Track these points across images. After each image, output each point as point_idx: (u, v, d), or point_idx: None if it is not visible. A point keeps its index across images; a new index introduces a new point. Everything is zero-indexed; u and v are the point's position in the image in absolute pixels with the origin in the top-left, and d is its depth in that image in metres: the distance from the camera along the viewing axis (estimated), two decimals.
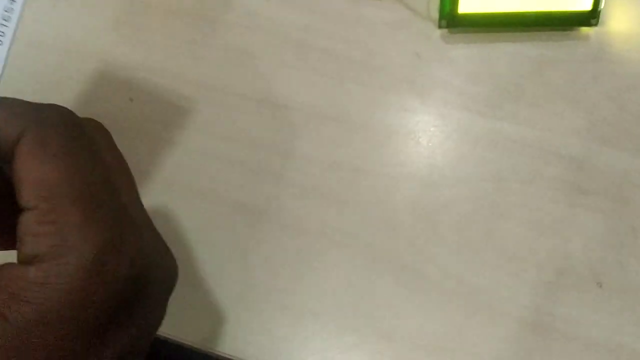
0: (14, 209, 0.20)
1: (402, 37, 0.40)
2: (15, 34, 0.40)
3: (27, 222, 0.20)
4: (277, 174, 0.36)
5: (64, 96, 0.39)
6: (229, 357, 0.33)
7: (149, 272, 0.22)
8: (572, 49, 0.39)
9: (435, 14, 0.39)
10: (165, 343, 0.33)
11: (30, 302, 0.19)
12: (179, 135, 0.37)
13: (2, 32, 0.40)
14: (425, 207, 0.35)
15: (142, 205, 0.24)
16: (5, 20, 0.40)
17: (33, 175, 0.20)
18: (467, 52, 0.39)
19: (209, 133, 0.37)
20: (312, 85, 0.38)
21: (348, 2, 0.41)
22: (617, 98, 0.37)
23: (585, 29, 0.39)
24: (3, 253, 0.23)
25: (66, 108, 0.22)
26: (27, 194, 0.20)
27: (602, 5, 0.38)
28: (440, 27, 0.39)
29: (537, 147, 0.36)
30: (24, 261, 0.20)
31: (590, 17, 0.39)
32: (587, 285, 0.32)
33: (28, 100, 0.21)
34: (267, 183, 0.36)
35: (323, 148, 0.37)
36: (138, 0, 0.42)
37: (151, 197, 0.36)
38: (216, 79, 0.39)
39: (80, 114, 0.23)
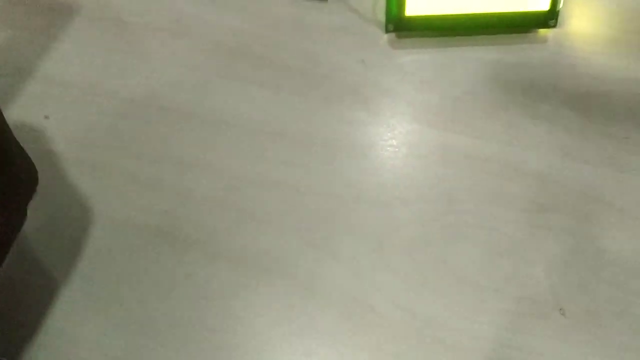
0: None
1: (346, 43, 0.36)
2: None
3: None
4: (207, 197, 0.32)
5: None
6: None
7: (7, 165, 0.21)
8: (530, 53, 0.36)
9: (382, 18, 0.36)
10: None
11: None
12: (100, 156, 0.33)
13: None
14: (371, 230, 0.31)
15: (9, 128, 0.24)
16: None
17: None
18: (417, 57, 0.36)
19: (134, 154, 0.33)
20: (246, 97, 0.35)
21: (288, 6, 0.37)
22: (577, 104, 0.34)
23: (543, 31, 0.37)
24: None
25: None
26: None
27: (560, 5, 0.35)
28: (387, 31, 0.36)
29: (495, 161, 0.33)
30: None
31: (549, 18, 0.36)
32: (550, 313, 0.29)
33: None
34: (196, 207, 0.32)
35: (259, 167, 0.33)
36: (63, 9, 0.38)
37: (67, 224, 0.32)
38: (140, 92, 0.35)
39: None
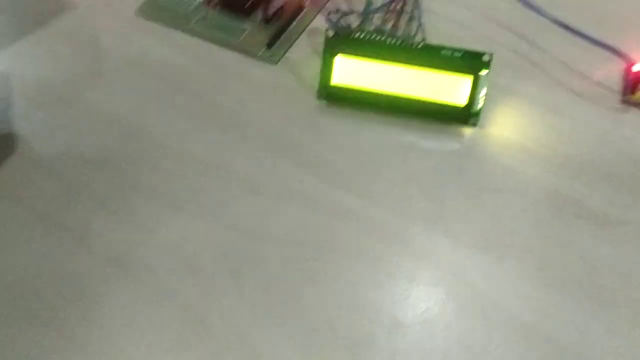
0: None
1: (279, 100, 0.39)
2: None
3: None
4: (104, 197, 0.34)
5: None
6: None
7: None
8: (444, 143, 0.38)
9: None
10: None
11: None
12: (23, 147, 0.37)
13: None
14: (236, 259, 0.32)
15: None
16: None
17: None
18: (338, 124, 0.38)
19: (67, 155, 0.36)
20: (175, 123, 0.38)
21: (239, 61, 0.42)
22: (472, 195, 0.35)
23: (463, 128, 0.39)
24: None
25: None
26: None
27: (479, 106, 0.38)
28: (318, 98, 0.39)
29: (375, 225, 0.34)
30: None
31: (470, 116, 0.38)
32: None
33: None
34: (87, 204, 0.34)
35: (163, 180, 0.35)
36: (50, 26, 0.44)
37: None
38: (96, 101, 0.39)
39: None
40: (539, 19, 0.43)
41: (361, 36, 0.37)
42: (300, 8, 0.44)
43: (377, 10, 0.42)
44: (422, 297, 0.31)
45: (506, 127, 0.39)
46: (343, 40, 0.37)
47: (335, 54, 0.37)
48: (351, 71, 0.38)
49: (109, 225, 0.33)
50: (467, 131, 0.38)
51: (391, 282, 0.31)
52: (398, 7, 0.41)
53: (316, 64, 0.41)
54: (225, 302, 0.30)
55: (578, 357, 0.29)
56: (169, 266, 0.32)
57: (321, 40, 0.40)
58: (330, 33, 0.37)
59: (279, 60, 0.41)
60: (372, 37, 0.37)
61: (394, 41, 0.37)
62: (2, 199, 0.34)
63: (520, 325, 0.30)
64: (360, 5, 0.42)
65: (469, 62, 0.36)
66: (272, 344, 0.29)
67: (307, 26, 0.44)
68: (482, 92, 0.37)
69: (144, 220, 0.33)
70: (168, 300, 0.30)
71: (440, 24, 0.39)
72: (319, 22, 0.44)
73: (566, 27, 0.41)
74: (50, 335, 0.29)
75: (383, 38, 0.37)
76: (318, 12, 0.44)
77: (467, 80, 0.37)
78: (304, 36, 0.43)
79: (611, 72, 0.41)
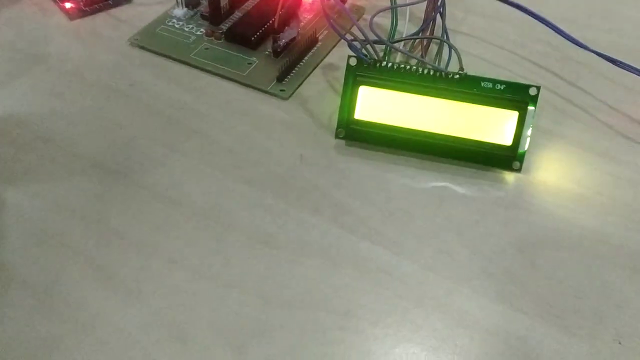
0: None
1: (291, 139, 0.34)
2: None
3: None
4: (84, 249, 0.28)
5: None
6: None
7: None
8: (485, 190, 0.32)
9: (335, 124, 0.34)
10: None
11: None
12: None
13: None
14: (238, 328, 0.25)
15: None
16: None
17: None
18: (359, 166, 0.33)
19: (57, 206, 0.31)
20: (164, 162, 0.32)
21: (245, 96, 0.36)
22: (525, 252, 0.29)
23: (505, 173, 0.33)
24: None
25: None
26: None
27: (525, 147, 0.32)
28: (337, 136, 0.34)
29: (410, 287, 0.27)
30: None
31: (513, 160, 0.32)
32: None
33: None
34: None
35: (150, 231, 0.29)
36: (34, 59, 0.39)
37: None
38: (69, 143, 0.33)
39: None
40: (578, 55, 0.39)
41: (388, 65, 0.32)
42: (313, 41, 0.39)
43: (405, 38, 0.37)
44: None
45: (554, 172, 0.34)
46: (367, 68, 0.32)
47: (359, 84, 0.32)
48: (376, 104, 0.32)
49: (80, 281, 0.27)
50: (510, 177, 0.33)
51: (435, 357, 0.25)
52: (427, 34, 0.37)
53: (332, 100, 0.36)
54: None
55: None
56: (154, 337, 0.25)
57: (338, 75, 0.36)
58: (353, 60, 0.32)
59: (290, 96, 0.36)
60: (401, 66, 0.32)
61: (425, 70, 0.32)
62: None
63: None
64: (385, 34, 0.37)
65: (514, 95, 0.31)
66: None
67: (321, 61, 0.39)
68: (528, 131, 0.32)
69: (123, 277, 0.27)
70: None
71: (468, 64, 0.35)
72: (335, 57, 0.39)
73: (613, 61, 0.36)
74: None
75: (413, 67, 0.32)
76: (334, 46, 0.40)
77: (512, 116, 0.31)
78: (318, 71, 0.38)
79: None
